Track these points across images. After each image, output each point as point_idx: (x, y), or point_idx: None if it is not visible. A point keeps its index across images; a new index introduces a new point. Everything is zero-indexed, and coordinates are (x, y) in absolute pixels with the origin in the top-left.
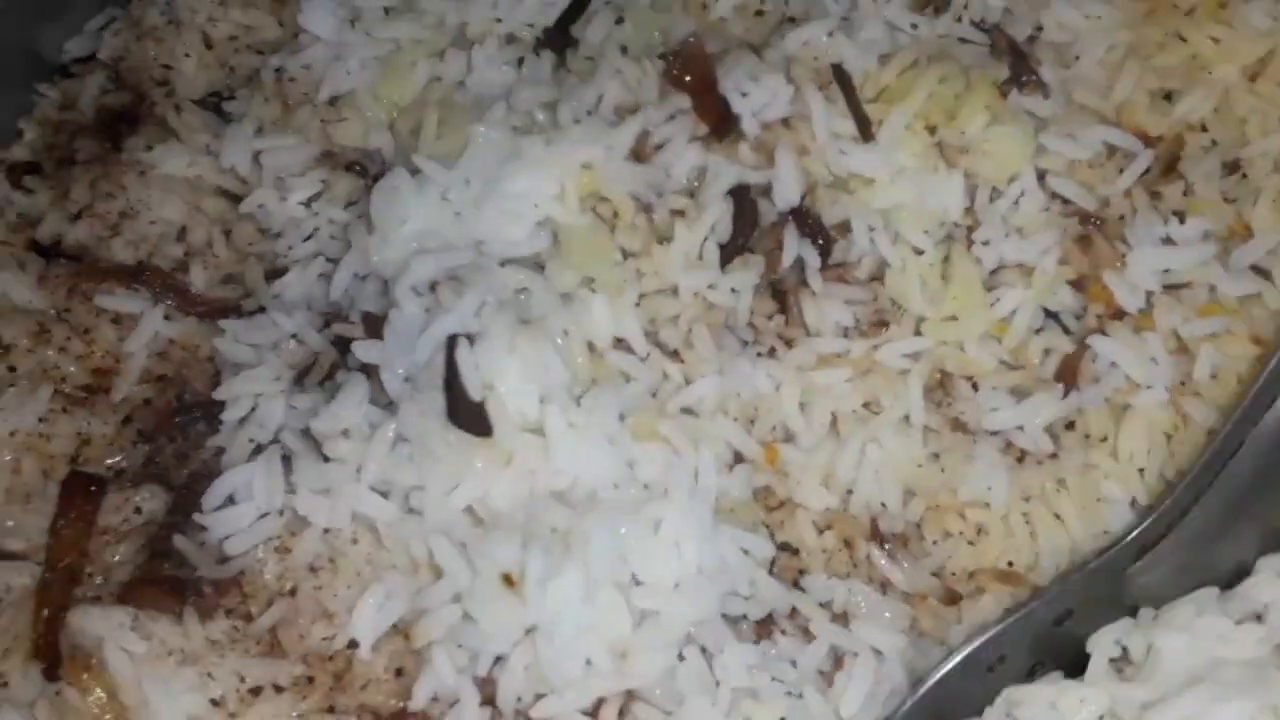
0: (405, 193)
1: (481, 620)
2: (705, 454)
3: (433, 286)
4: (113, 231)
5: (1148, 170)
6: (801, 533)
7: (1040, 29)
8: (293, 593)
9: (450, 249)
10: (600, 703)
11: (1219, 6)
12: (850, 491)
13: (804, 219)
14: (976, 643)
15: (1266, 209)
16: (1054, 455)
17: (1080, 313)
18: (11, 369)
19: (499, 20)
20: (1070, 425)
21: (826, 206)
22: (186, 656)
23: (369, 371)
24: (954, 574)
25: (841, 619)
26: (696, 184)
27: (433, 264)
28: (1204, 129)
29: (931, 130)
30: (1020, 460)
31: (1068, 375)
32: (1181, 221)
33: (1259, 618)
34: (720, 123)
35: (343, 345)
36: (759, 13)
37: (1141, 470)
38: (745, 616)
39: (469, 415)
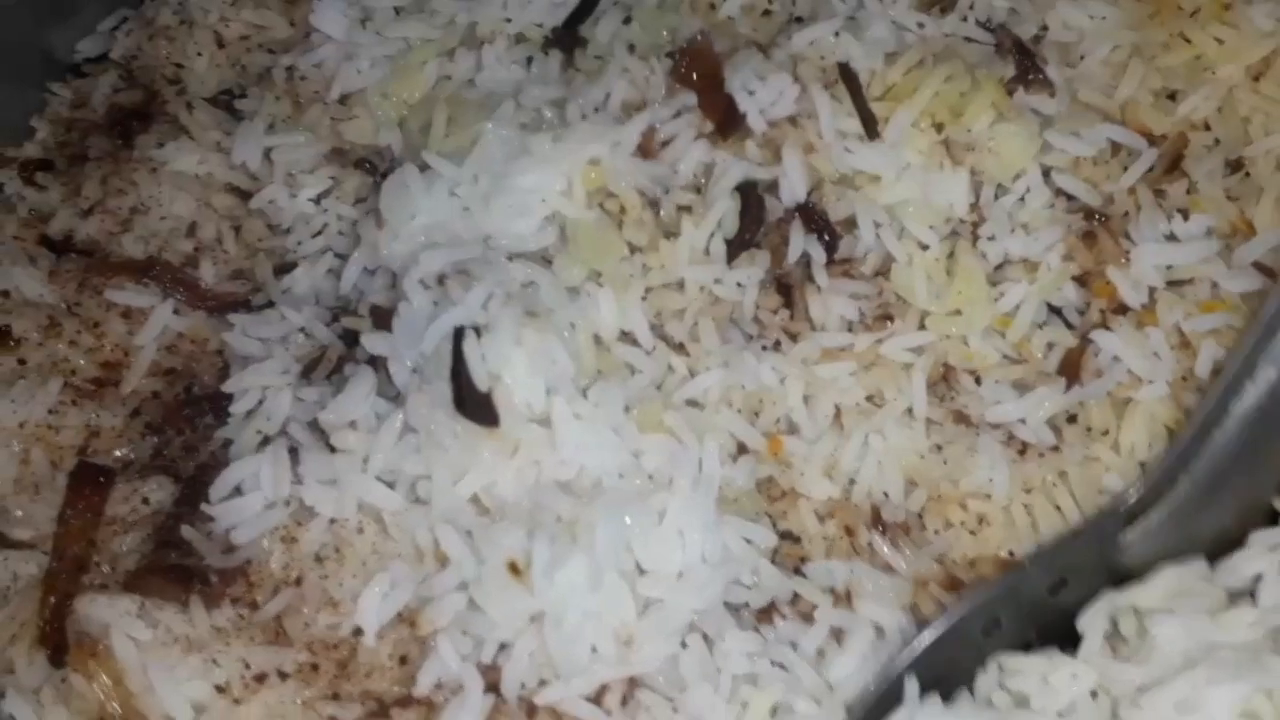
0: (414, 188)
1: (487, 608)
2: (709, 445)
3: (441, 280)
4: (123, 227)
5: (1151, 168)
6: (804, 521)
7: (1045, 29)
8: (298, 582)
9: (459, 243)
10: (604, 689)
11: (1223, 8)
12: (853, 481)
13: (810, 215)
14: (969, 604)
15: (1269, 207)
16: (1056, 448)
17: (1083, 308)
18: (21, 361)
19: (508, 20)
20: (1072, 418)
21: (832, 203)
22: (192, 644)
23: (376, 364)
24: (955, 562)
25: (844, 600)
26: (703, 180)
27: (441, 257)
28: (1207, 128)
29: (938, 128)
30: (1022, 453)
31: (1070, 369)
32: (1185, 218)
33: (1251, 595)
34: (726, 120)
35: (351, 339)
36: (766, 12)
37: (1142, 464)
38: (747, 605)
39: (475, 405)
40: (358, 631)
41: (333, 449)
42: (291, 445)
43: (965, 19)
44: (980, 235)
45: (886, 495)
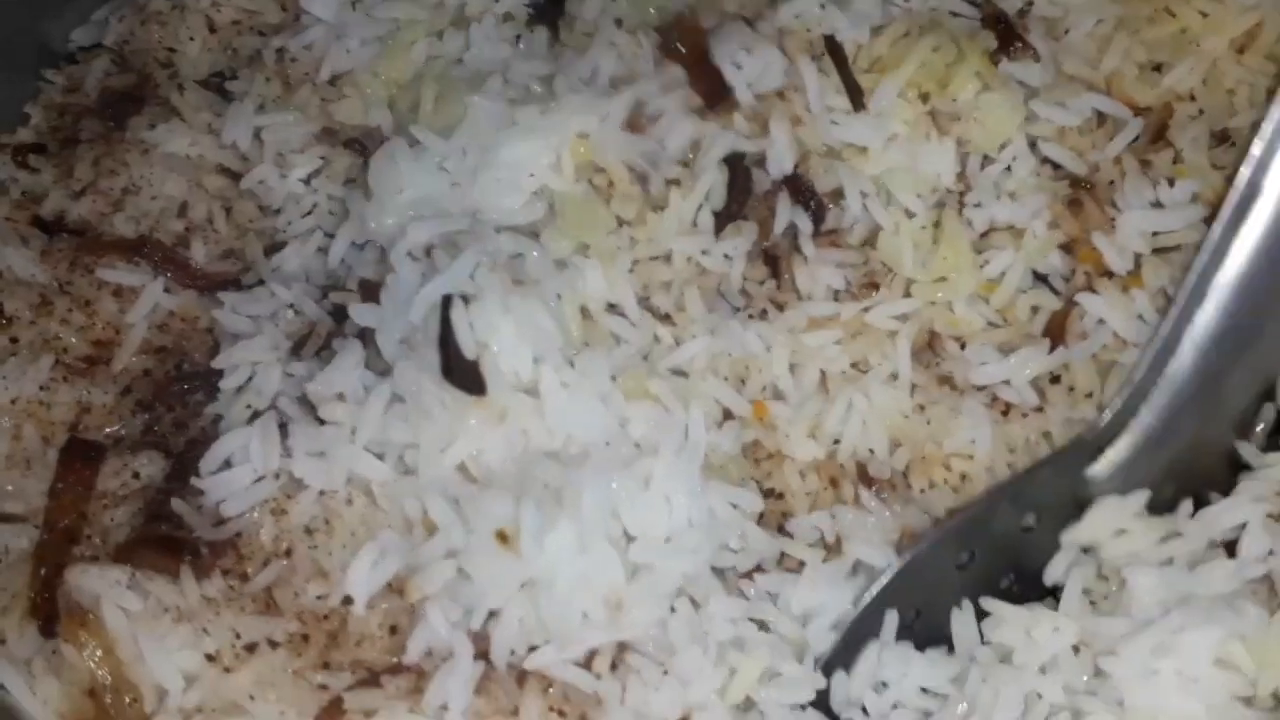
0: (402, 162)
1: (476, 576)
2: (695, 411)
3: (428, 251)
4: (115, 207)
5: (1136, 138)
6: (788, 479)
7: (1031, 3)
8: (288, 553)
9: (447, 217)
10: (593, 654)
11: None
12: (837, 442)
13: (797, 186)
14: (940, 532)
15: None
16: (1039, 409)
17: (1069, 275)
18: (14, 340)
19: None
20: (1056, 379)
21: (820, 174)
22: (182, 614)
23: (365, 339)
24: (939, 519)
25: (833, 550)
26: (691, 155)
27: (428, 229)
28: (1192, 99)
29: (924, 98)
30: (1005, 413)
31: (1055, 331)
32: (1171, 185)
33: (1228, 547)
34: (714, 94)
35: (340, 315)
36: None
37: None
38: (734, 568)
39: (463, 373)
40: (347, 601)
41: (321, 422)
42: (281, 419)
43: None
44: (966, 203)
45: (872, 452)
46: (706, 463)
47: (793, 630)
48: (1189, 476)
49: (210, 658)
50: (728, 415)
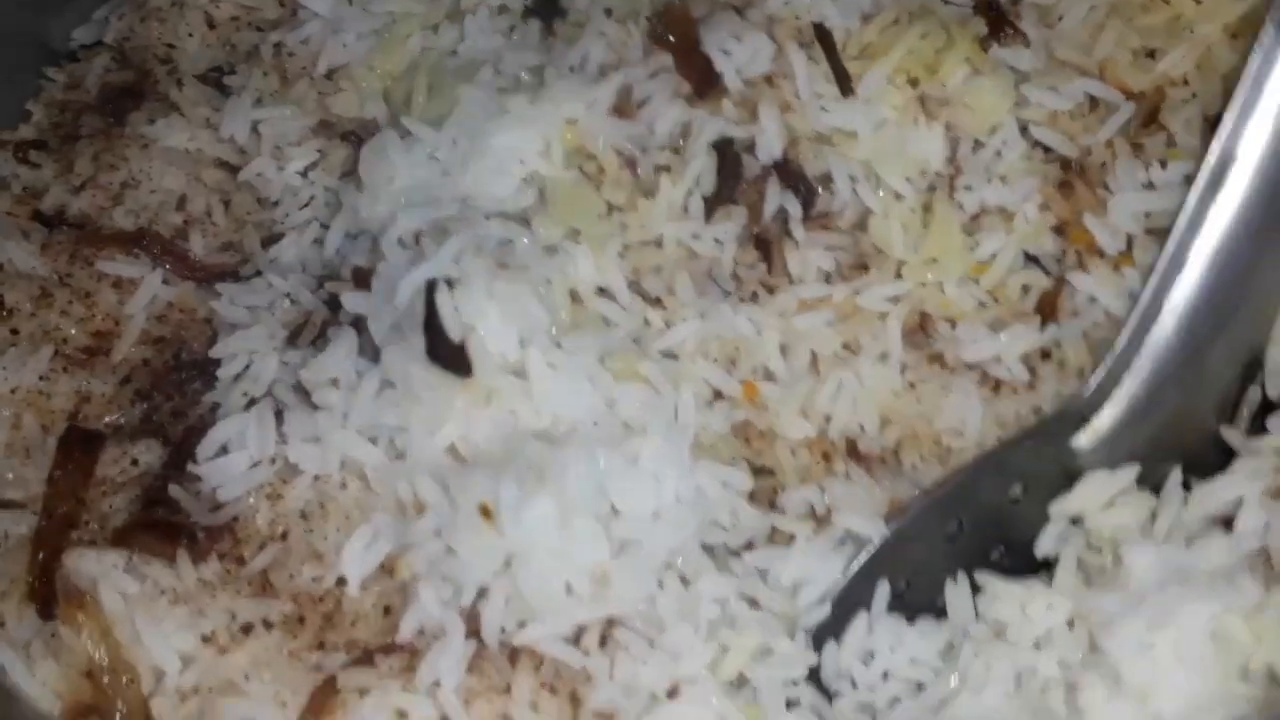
0: (394, 152)
1: (461, 551)
2: (685, 391)
3: (418, 238)
4: (114, 201)
5: (1128, 122)
6: (779, 456)
7: None
8: (284, 537)
9: (438, 203)
10: (581, 630)
11: None
12: (829, 419)
13: (787, 171)
14: (927, 499)
15: None
16: (1030, 385)
17: (1060, 257)
18: (14, 331)
19: None
20: (1046, 355)
21: (809, 159)
22: (179, 596)
23: (359, 326)
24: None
25: (823, 522)
26: (681, 141)
27: (419, 216)
28: (1185, 83)
29: (913, 83)
30: (996, 390)
31: (1046, 309)
32: (1163, 167)
33: (1225, 523)
34: (703, 80)
35: (335, 304)
36: None
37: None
38: (725, 545)
39: (449, 355)
40: (341, 582)
41: (315, 408)
42: (277, 406)
43: None
44: (957, 187)
45: (863, 429)
46: (696, 442)
47: (784, 606)
48: (1176, 455)
49: (206, 639)
50: (718, 395)
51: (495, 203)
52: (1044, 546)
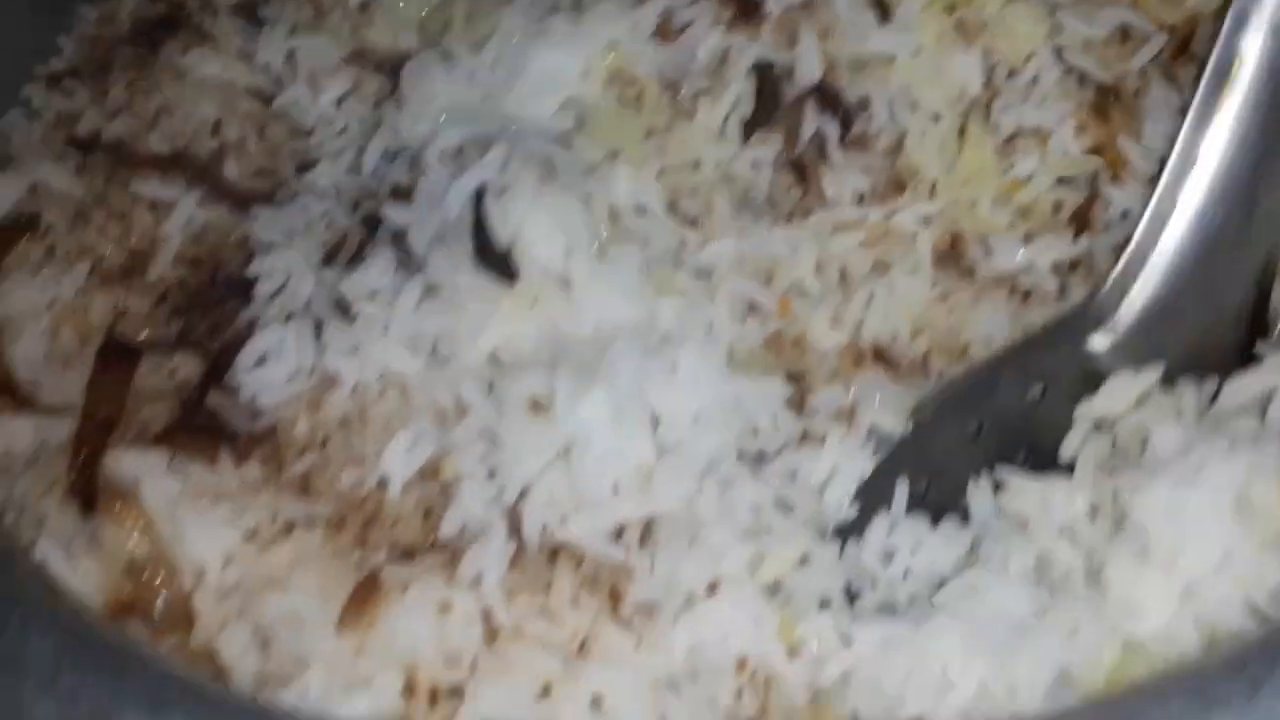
0: (435, 73)
1: (510, 445)
2: (720, 303)
3: (459, 152)
4: (149, 127)
5: (1160, 52)
6: (809, 361)
7: None
8: (324, 444)
9: (478, 122)
10: (622, 529)
11: None
12: (860, 324)
13: (825, 95)
14: (943, 390)
15: None
16: (1060, 295)
17: (1093, 179)
18: (50, 249)
19: None
20: (1075, 265)
21: (847, 85)
22: (221, 495)
23: (397, 244)
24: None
25: (851, 418)
26: (721, 66)
27: (460, 132)
28: (1217, 18)
29: (949, 10)
30: (1025, 300)
31: (1080, 221)
32: None
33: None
34: (743, 7)
35: (371, 224)
36: None
37: None
38: (761, 452)
39: (495, 261)
40: (382, 484)
41: (354, 318)
42: (315, 320)
43: None
44: (993, 110)
45: (895, 338)
46: (731, 354)
47: (815, 509)
48: (1197, 362)
49: (248, 536)
50: (752, 309)
51: (535, 125)
52: (1069, 449)
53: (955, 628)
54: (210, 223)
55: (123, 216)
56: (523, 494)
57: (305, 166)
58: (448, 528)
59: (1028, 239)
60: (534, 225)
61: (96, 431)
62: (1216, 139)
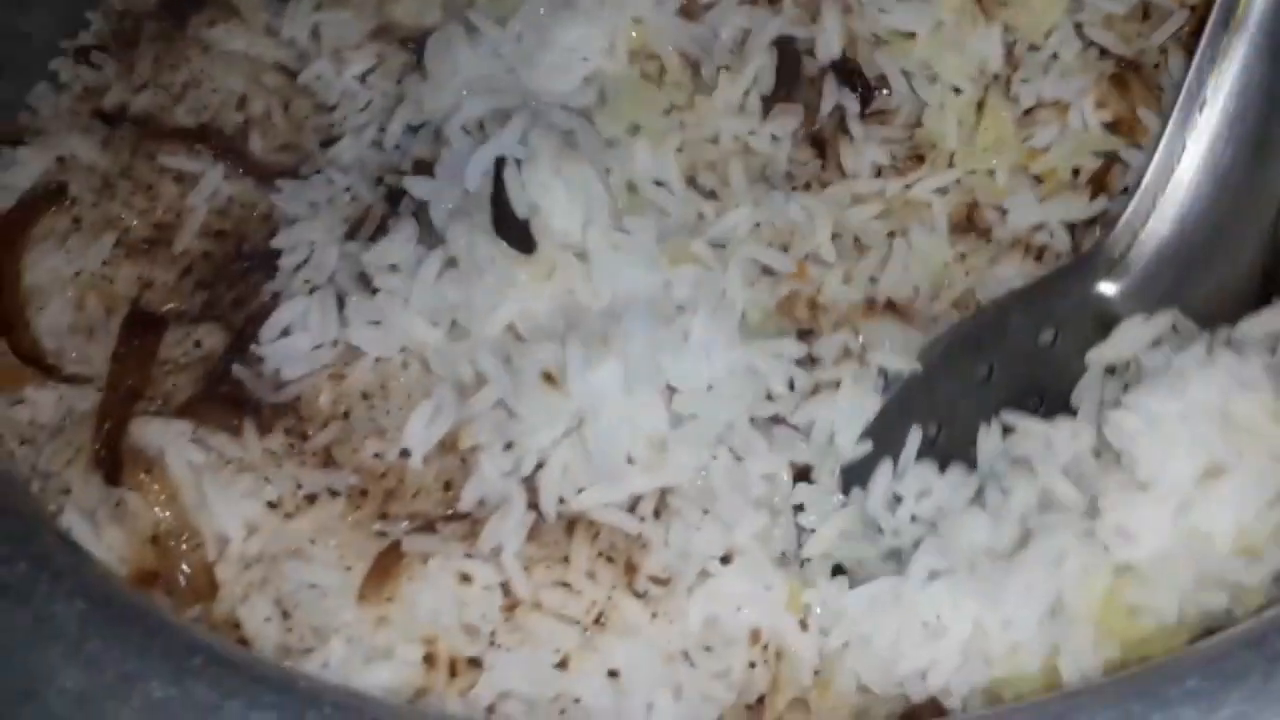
0: (458, 45)
1: (523, 415)
2: (733, 268)
3: (481, 125)
4: (175, 100)
5: (1181, 27)
6: (821, 319)
7: None
8: (346, 415)
9: (501, 95)
10: (637, 500)
11: None
12: (873, 280)
13: (845, 70)
14: (952, 333)
15: None
16: (1074, 253)
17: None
18: (76, 220)
19: None
20: (1091, 222)
21: (868, 60)
22: (245, 465)
23: (419, 218)
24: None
25: (860, 360)
26: (743, 42)
27: (483, 104)
28: None
29: None
30: (1039, 258)
31: (1097, 183)
32: None
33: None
34: None
35: (395, 198)
36: None
37: None
38: (776, 417)
39: (514, 231)
40: (404, 455)
41: (376, 293)
42: (338, 293)
43: None
44: (1014, 82)
45: (916, 291)
46: (744, 319)
47: (828, 461)
48: (1210, 311)
49: (272, 505)
50: (766, 271)
51: (558, 99)
52: (1081, 395)
53: (939, 573)
54: (235, 196)
55: (149, 189)
56: (539, 465)
57: (329, 141)
58: (467, 499)
59: (1043, 201)
60: (553, 196)
61: (121, 402)
62: (1224, 79)
